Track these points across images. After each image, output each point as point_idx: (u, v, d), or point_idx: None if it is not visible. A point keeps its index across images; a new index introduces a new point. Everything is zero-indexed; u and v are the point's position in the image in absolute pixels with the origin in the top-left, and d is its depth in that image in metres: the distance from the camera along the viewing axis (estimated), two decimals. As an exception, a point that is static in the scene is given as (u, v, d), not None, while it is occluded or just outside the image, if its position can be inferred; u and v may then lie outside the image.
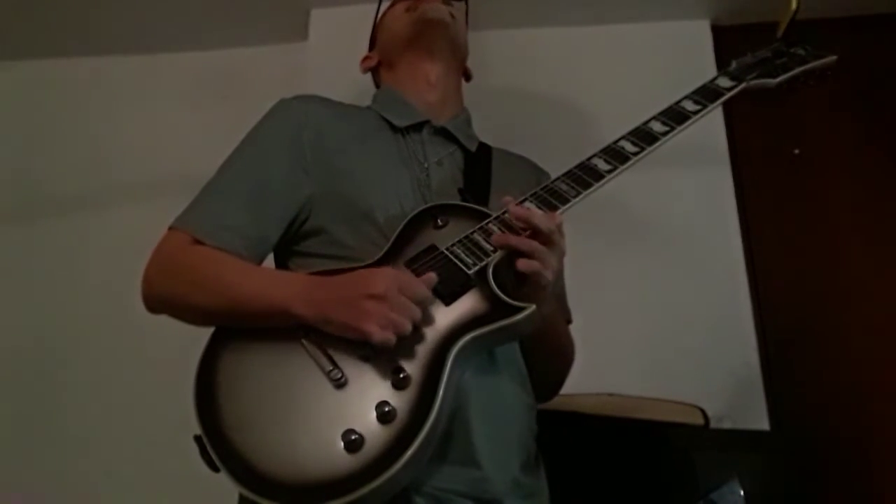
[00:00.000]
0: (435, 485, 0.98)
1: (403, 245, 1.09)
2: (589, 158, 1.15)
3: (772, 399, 1.82)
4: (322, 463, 0.88)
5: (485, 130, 1.43)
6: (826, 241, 2.00)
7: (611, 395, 1.55)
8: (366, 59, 1.50)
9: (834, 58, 1.33)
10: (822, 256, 1.98)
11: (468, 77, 1.52)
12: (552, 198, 1.10)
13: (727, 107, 2.00)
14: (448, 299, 1.00)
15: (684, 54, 2.11)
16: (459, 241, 1.07)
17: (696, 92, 1.25)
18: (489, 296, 1.01)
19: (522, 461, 1.09)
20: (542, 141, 1.57)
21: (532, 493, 1.09)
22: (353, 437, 0.88)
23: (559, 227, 1.06)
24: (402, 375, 0.93)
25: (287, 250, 1.20)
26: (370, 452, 0.88)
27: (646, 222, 1.98)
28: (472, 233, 1.07)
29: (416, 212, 1.13)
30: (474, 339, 0.97)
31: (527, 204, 1.10)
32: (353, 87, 1.58)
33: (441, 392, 0.91)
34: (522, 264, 1.02)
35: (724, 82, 1.27)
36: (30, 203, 2.22)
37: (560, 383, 1.31)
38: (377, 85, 1.49)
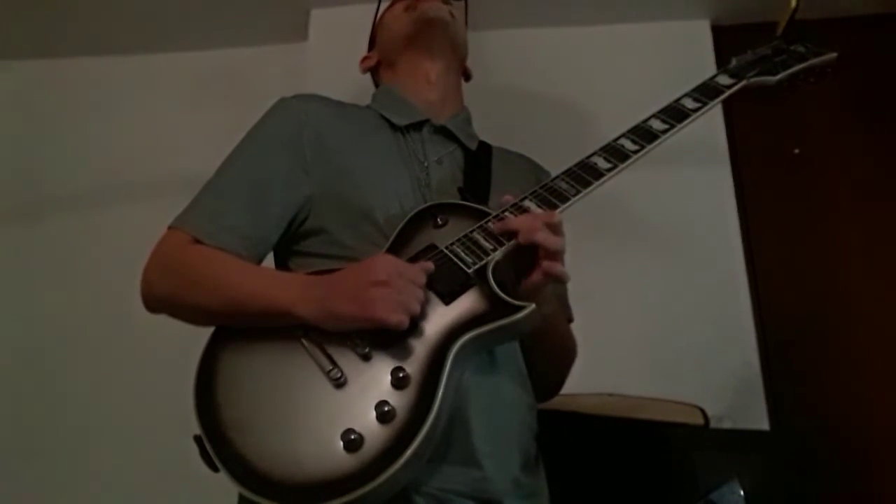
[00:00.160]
0: (435, 484, 0.98)
1: (403, 244, 1.09)
2: (589, 157, 1.15)
3: (772, 399, 1.82)
4: (321, 462, 0.88)
5: (485, 130, 1.43)
6: (826, 241, 2.00)
7: (611, 395, 1.55)
8: (365, 58, 1.50)
9: (834, 55, 1.32)
10: (822, 256, 1.98)
11: (468, 76, 1.52)
12: (552, 196, 1.10)
13: (727, 106, 2.02)
14: (448, 298, 1.00)
15: (684, 54, 2.11)
16: (459, 240, 1.06)
17: (695, 90, 1.25)
18: (489, 295, 1.00)
19: (522, 461, 1.08)
20: (542, 141, 1.57)
21: (532, 493, 1.09)
22: (352, 437, 0.88)
23: (559, 225, 1.06)
24: (401, 375, 0.93)
25: (287, 250, 1.20)
26: (369, 452, 0.88)
27: (646, 222, 1.98)
28: (471, 232, 1.07)
29: (415, 211, 1.13)
30: (474, 338, 0.96)
31: (526, 202, 1.10)
32: (353, 86, 1.58)
33: (441, 391, 0.91)
34: (552, 269, 1.03)
35: (724, 80, 1.27)
36: (30, 203, 2.22)
37: (561, 383, 1.31)
38: (377, 85, 1.49)
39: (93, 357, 2.01)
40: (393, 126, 1.29)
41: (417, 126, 1.30)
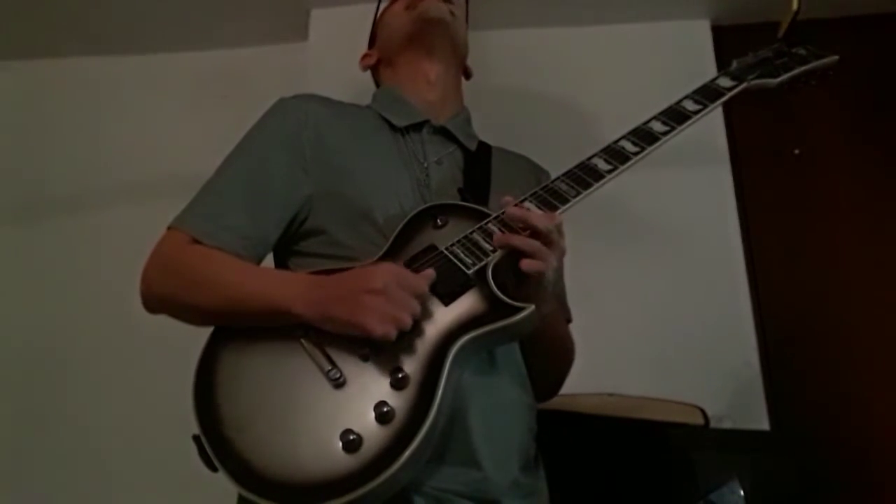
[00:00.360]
0: (434, 485, 0.98)
1: (403, 245, 1.09)
2: (589, 158, 1.15)
3: (772, 399, 1.82)
4: (320, 463, 0.88)
5: (485, 130, 1.43)
6: (826, 241, 2.00)
7: (611, 395, 1.55)
8: (365, 56, 1.50)
9: (835, 58, 1.32)
10: (822, 256, 1.98)
11: (468, 75, 1.52)
12: (552, 198, 1.10)
13: (727, 107, 2.00)
14: (447, 299, 1.00)
15: (684, 54, 2.11)
16: (459, 241, 1.06)
17: (696, 92, 1.25)
18: (488, 296, 1.01)
19: (522, 461, 1.09)
20: (542, 141, 1.57)
21: (532, 493, 1.09)
22: (351, 437, 0.88)
23: (559, 226, 1.06)
24: (400, 375, 0.93)
25: (286, 250, 1.20)
26: (368, 452, 0.88)
27: (646, 222, 1.97)
28: (471, 233, 1.07)
29: (415, 211, 1.13)
30: (473, 339, 0.97)
31: (526, 204, 1.10)
32: (353, 86, 1.58)
33: (440, 392, 0.91)
34: (525, 264, 1.02)
35: (725, 82, 1.27)
36: (30, 203, 2.22)
37: (560, 383, 1.31)
38: (377, 83, 1.49)
39: (92, 357, 2.01)
40: (393, 126, 1.29)
41: (417, 127, 1.30)
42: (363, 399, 0.93)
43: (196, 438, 0.94)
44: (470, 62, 1.51)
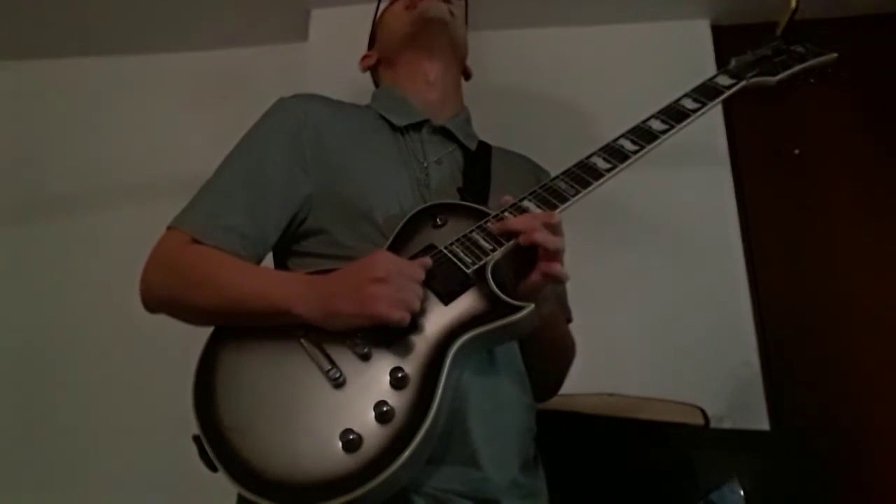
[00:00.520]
0: (434, 485, 0.98)
1: (402, 244, 1.09)
2: (588, 157, 1.15)
3: (772, 399, 1.82)
4: (320, 462, 0.88)
5: (485, 130, 1.43)
6: (826, 241, 2.00)
7: (611, 395, 1.55)
8: (365, 57, 1.50)
9: (834, 55, 1.32)
10: (822, 256, 1.98)
11: (468, 76, 1.51)
12: (551, 196, 1.10)
13: (727, 107, 2.02)
14: (447, 298, 1.00)
15: (684, 54, 2.11)
16: (458, 241, 1.06)
17: (695, 90, 1.25)
18: (488, 295, 1.01)
19: (521, 461, 1.09)
20: (542, 141, 1.57)
21: (531, 493, 1.09)
22: (351, 437, 0.88)
23: (558, 225, 1.06)
24: (400, 375, 0.93)
25: (286, 250, 1.20)
26: (368, 452, 0.88)
27: (646, 222, 1.97)
28: (470, 232, 1.07)
29: (415, 211, 1.13)
30: (473, 338, 0.96)
31: (526, 202, 1.10)
32: (353, 86, 1.58)
33: (439, 392, 0.91)
34: (554, 271, 1.03)
35: (724, 80, 1.27)
36: (30, 203, 2.22)
37: (560, 383, 1.31)
38: (376, 83, 1.49)
39: (92, 357, 2.01)
40: (392, 126, 1.29)
41: (417, 126, 1.30)
42: (363, 398, 0.93)
43: (196, 439, 0.93)
44: (470, 62, 1.51)
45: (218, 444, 0.91)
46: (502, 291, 1.01)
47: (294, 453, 0.90)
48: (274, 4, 2.15)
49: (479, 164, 1.30)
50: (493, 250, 1.04)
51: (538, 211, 1.08)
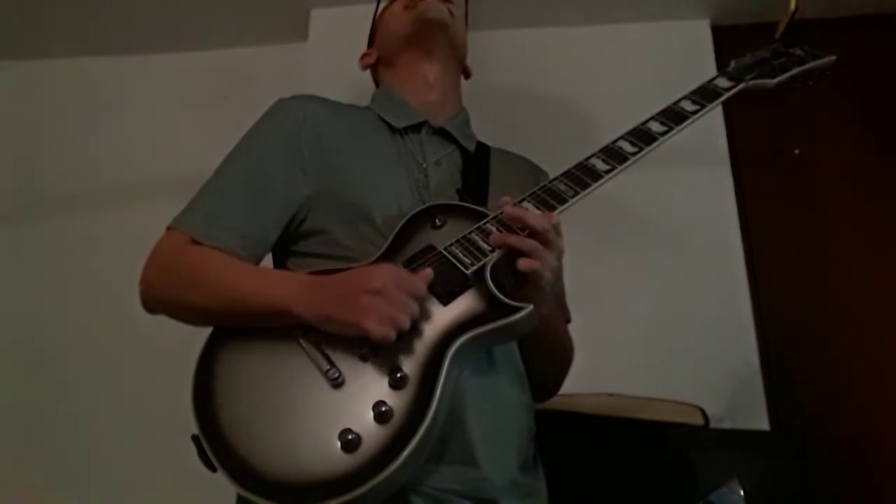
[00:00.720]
0: (432, 484, 0.98)
1: (401, 245, 1.09)
2: (587, 158, 1.15)
3: (772, 399, 1.81)
4: (319, 462, 0.88)
5: (485, 130, 1.43)
6: (826, 241, 1.99)
7: (611, 395, 1.55)
8: (365, 55, 1.49)
9: (833, 58, 1.33)
10: (822, 256, 1.98)
11: (467, 75, 1.51)
12: (550, 198, 1.10)
13: (727, 107, 2.01)
14: (446, 299, 1.00)
15: (684, 54, 2.11)
16: (457, 241, 1.07)
17: (694, 92, 1.25)
18: (487, 295, 1.01)
19: (520, 461, 1.09)
20: (541, 141, 1.57)
21: (530, 493, 1.09)
22: (349, 437, 0.89)
23: (557, 226, 1.06)
24: (399, 375, 0.93)
25: (285, 250, 1.20)
26: (367, 452, 0.88)
27: (646, 222, 1.97)
28: (469, 233, 1.08)
29: (414, 212, 1.13)
30: (472, 338, 0.97)
31: (525, 204, 1.10)
32: (353, 87, 1.58)
33: (438, 392, 0.91)
34: (523, 263, 1.02)
35: (723, 82, 1.27)
36: (30, 203, 2.22)
37: (559, 383, 1.31)
38: (376, 82, 1.49)
39: (92, 357, 2.01)
40: (391, 128, 1.29)
41: (416, 128, 1.30)
42: (362, 399, 0.93)
43: (195, 438, 0.94)
44: (470, 62, 1.51)
45: (217, 444, 0.91)
46: (501, 292, 1.01)
47: (293, 453, 0.90)
48: (274, 4, 2.15)
49: (478, 165, 1.30)
50: (492, 251, 1.05)
51: (537, 212, 1.08)
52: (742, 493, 1.28)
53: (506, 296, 1.01)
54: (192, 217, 1.13)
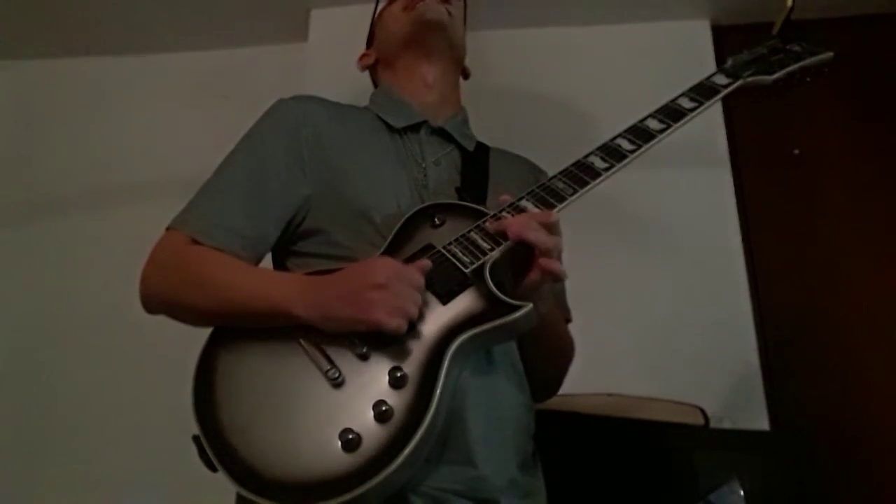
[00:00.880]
0: (432, 484, 0.98)
1: (401, 244, 1.09)
2: (586, 156, 1.15)
3: (772, 399, 1.81)
4: (319, 462, 0.88)
5: (484, 130, 1.43)
6: (826, 241, 1.99)
7: (611, 395, 1.55)
8: (363, 56, 1.49)
9: (830, 54, 1.33)
10: (822, 256, 1.98)
11: (466, 75, 1.51)
12: (549, 196, 1.10)
13: (727, 106, 2.02)
14: (445, 298, 1.00)
15: (684, 54, 2.11)
16: (456, 240, 1.06)
17: (692, 89, 1.25)
18: (486, 294, 1.01)
19: (520, 461, 1.09)
20: (541, 141, 1.57)
21: (529, 493, 1.09)
22: (350, 437, 0.89)
23: (556, 225, 1.06)
24: (399, 374, 0.93)
25: (285, 250, 1.20)
26: (367, 451, 0.88)
27: (646, 222, 1.97)
28: (469, 231, 1.07)
29: (413, 211, 1.13)
30: (472, 337, 0.97)
31: (523, 202, 1.10)
32: (353, 87, 1.58)
33: (438, 391, 0.91)
34: (550, 267, 1.02)
35: (721, 79, 1.27)
36: (30, 203, 2.22)
37: (559, 383, 1.31)
38: (375, 82, 1.49)
39: (92, 358, 2.01)
40: (390, 128, 1.29)
41: (415, 128, 1.30)
42: (362, 398, 0.93)
43: (196, 439, 0.94)
44: (470, 62, 1.50)
45: (217, 445, 0.92)
46: (501, 291, 1.01)
47: (293, 453, 0.90)
48: (274, 4, 2.16)
49: (477, 164, 1.30)
50: (492, 250, 1.04)
51: (536, 210, 1.08)
52: (742, 493, 1.28)
53: (505, 295, 1.01)
54: (192, 217, 1.13)
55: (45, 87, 2.33)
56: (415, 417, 0.90)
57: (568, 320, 1.35)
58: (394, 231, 1.11)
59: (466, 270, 1.03)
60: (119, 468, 1.89)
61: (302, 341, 0.98)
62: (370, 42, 1.51)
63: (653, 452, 1.41)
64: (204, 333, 1.04)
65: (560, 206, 1.09)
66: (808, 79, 1.33)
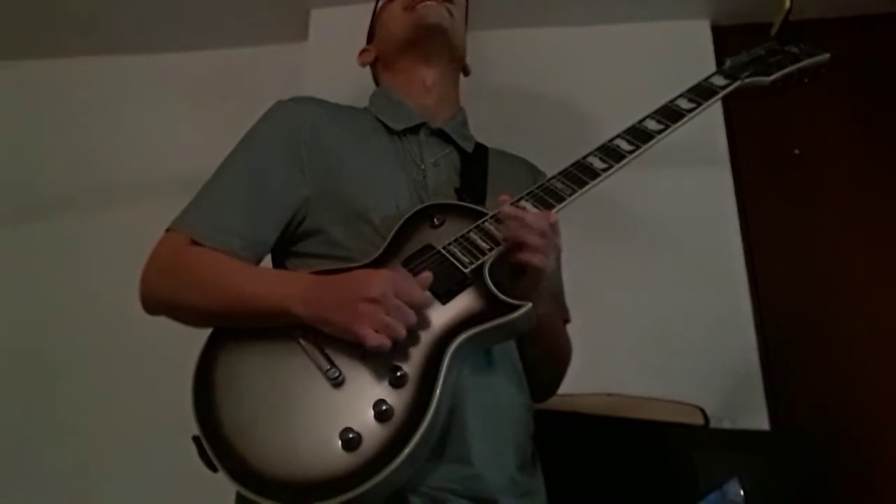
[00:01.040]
0: (431, 484, 0.98)
1: (400, 244, 1.09)
2: (584, 157, 1.16)
3: (772, 399, 1.81)
4: (320, 461, 0.89)
5: (484, 130, 1.43)
6: (826, 241, 1.99)
7: (610, 395, 1.55)
8: (363, 52, 1.48)
9: (827, 55, 1.33)
10: (822, 256, 1.98)
11: (466, 72, 1.49)
12: (548, 196, 1.10)
13: (727, 106, 2.02)
14: (444, 298, 1.00)
15: (684, 54, 2.11)
16: (455, 240, 1.07)
17: (690, 90, 1.25)
18: (485, 294, 1.01)
19: (519, 460, 1.09)
20: (541, 141, 1.58)
21: (528, 492, 1.09)
22: (350, 436, 0.89)
23: (555, 225, 1.06)
24: (399, 374, 0.94)
25: (284, 251, 1.21)
26: (367, 451, 0.88)
27: (646, 222, 1.97)
28: (468, 232, 1.08)
29: (412, 211, 1.14)
30: (471, 337, 0.97)
31: (522, 203, 1.10)
32: (353, 87, 1.58)
33: (438, 390, 0.92)
34: (527, 255, 1.03)
35: (719, 80, 1.27)
36: (29, 203, 2.22)
37: (558, 383, 1.31)
38: (375, 78, 1.49)
39: (92, 358, 2.01)
40: (390, 130, 1.29)
41: (414, 130, 1.30)
42: (362, 398, 0.93)
43: (196, 439, 0.94)
44: (470, 62, 1.50)
45: (218, 445, 0.92)
46: (500, 291, 1.01)
47: (294, 452, 0.90)
48: (274, 4, 2.16)
49: (476, 165, 1.30)
50: (491, 250, 1.05)
51: (535, 210, 1.08)
52: (742, 493, 1.28)
53: (504, 294, 1.01)
54: (192, 218, 1.13)
55: (45, 87, 2.33)
56: (415, 417, 0.90)
57: (566, 321, 1.35)
58: (393, 231, 1.11)
59: (466, 270, 1.03)
60: (119, 468, 1.89)
61: (301, 341, 0.99)
62: (370, 37, 1.50)
63: (653, 452, 1.40)
64: (204, 334, 1.04)
65: (559, 206, 1.09)
66: (806, 80, 1.34)
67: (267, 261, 1.21)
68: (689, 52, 2.12)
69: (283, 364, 0.98)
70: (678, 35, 2.16)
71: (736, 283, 1.92)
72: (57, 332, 2.05)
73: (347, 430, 0.90)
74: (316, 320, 0.98)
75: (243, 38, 2.29)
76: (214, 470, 0.91)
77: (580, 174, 1.13)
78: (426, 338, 0.97)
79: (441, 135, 1.31)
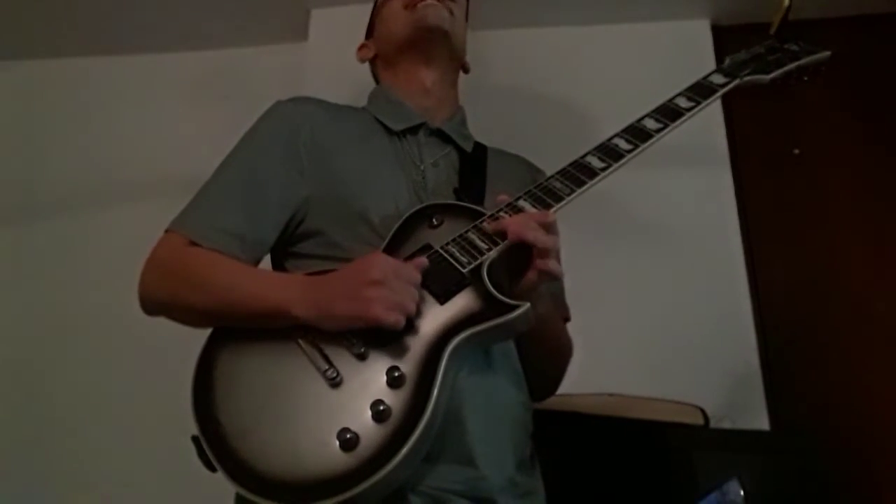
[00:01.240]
0: (430, 483, 0.98)
1: (399, 244, 1.09)
2: (583, 156, 1.15)
3: (772, 399, 1.81)
4: (317, 462, 0.89)
5: (484, 130, 1.43)
6: (826, 241, 1.99)
7: (611, 395, 1.55)
8: (362, 47, 1.48)
9: (827, 53, 1.33)
10: (822, 256, 1.98)
11: (466, 70, 1.48)
12: (546, 196, 1.10)
13: (727, 106, 2.01)
14: (443, 298, 1.00)
15: (684, 54, 2.10)
16: (454, 240, 1.07)
17: (689, 89, 1.25)
18: (484, 294, 1.01)
19: (518, 460, 1.09)
20: (541, 141, 1.57)
21: (528, 492, 1.09)
22: (348, 436, 0.89)
23: (553, 225, 1.06)
24: (397, 374, 0.94)
25: (283, 252, 1.21)
26: (365, 451, 0.88)
27: (646, 222, 1.97)
28: (466, 231, 1.08)
29: (411, 211, 1.13)
30: (469, 337, 0.97)
31: (521, 202, 1.10)
32: (353, 86, 1.58)
33: (436, 391, 0.92)
34: (549, 266, 1.03)
35: (718, 79, 1.27)
36: (29, 203, 2.22)
37: (557, 383, 1.31)
38: (374, 75, 1.48)
39: (91, 358, 2.01)
40: (389, 130, 1.29)
41: (413, 130, 1.30)
42: (360, 398, 0.93)
43: (195, 439, 0.94)
44: (470, 62, 1.49)
45: (217, 445, 0.92)
46: (498, 291, 1.01)
47: (292, 453, 0.90)
48: (274, 4, 2.16)
49: (474, 165, 1.30)
50: (489, 249, 1.05)
51: (533, 210, 1.08)
52: (742, 493, 1.28)
53: (503, 294, 1.01)
54: (191, 219, 1.13)
55: (45, 87, 2.33)
56: (412, 417, 0.90)
57: (566, 319, 1.35)
58: (392, 231, 1.11)
59: (464, 270, 1.03)
60: (119, 468, 1.89)
61: (300, 341, 0.99)
62: (370, 32, 1.49)
63: (653, 452, 1.40)
64: (203, 334, 1.04)
65: (557, 205, 1.09)
66: (806, 78, 1.34)
67: (266, 261, 1.21)
68: (689, 51, 2.12)
69: (282, 364, 0.98)
70: (678, 35, 2.16)
71: (736, 284, 1.92)
72: (56, 331, 2.05)
73: (345, 430, 0.90)
74: (319, 319, 0.98)
75: (243, 38, 2.29)
76: (213, 470, 0.91)
77: (579, 174, 1.12)
78: (424, 338, 0.97)
79: (440, 135, 1.31)
